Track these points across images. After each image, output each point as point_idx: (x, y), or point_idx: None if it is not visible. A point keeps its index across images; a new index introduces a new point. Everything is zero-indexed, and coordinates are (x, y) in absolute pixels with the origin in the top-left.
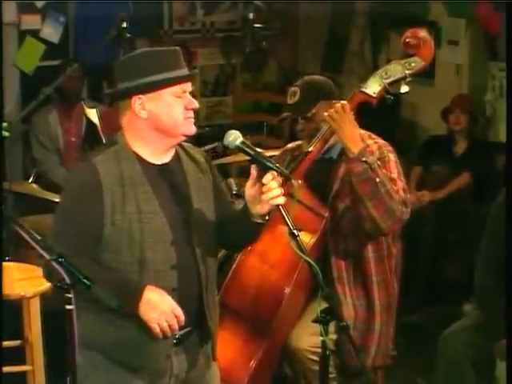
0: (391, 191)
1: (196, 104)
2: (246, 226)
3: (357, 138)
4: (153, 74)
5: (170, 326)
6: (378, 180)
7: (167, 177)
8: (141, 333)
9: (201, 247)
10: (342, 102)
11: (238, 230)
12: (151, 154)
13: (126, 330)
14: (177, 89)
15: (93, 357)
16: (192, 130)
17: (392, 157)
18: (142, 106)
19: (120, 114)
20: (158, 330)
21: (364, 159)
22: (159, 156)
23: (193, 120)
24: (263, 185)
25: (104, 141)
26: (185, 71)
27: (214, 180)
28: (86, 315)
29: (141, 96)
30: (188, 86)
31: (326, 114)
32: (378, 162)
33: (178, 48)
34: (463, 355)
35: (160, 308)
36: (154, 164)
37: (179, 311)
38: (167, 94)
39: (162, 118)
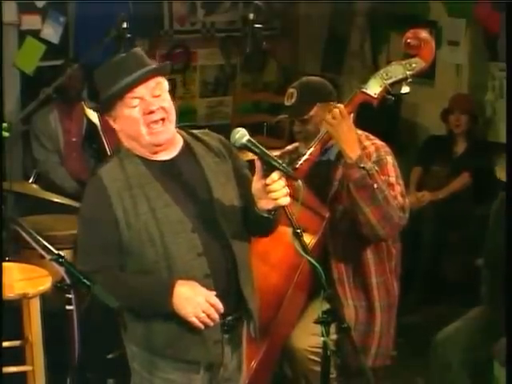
0: (389, 197)
1: (154, 106)
2: (255, 217)
3: (355, 144)
4: (102, 93)
5: (208, 316)
6: (375, 186)
7: (177, 170)
8: (184, 325)
9: (230, 230)
10: (340, 105)
11: (252, 219)
12: (150, 154)
13: (170, 324)
14: (126, 100)
15: (147, 359)
16: (159, 138)
17: (389, 159)
18: (113, 119)
19: None
20: (197, 322)
21: (362, 165)
22: (160, 154)
23: (159, 125)
24: (267, 185)
25: (104, 141)
26: (130, 77)
27: (234, 164)
28: (131, 317)
29: None
30: (142, 91)
31: (324, 119)
32: (376, 168)
33: (131, 52)
34: (456, 357)
35: (194, 300)
36: (159, 161)
37: (214, 299)
38: (120, 107)
39: (126, 130)
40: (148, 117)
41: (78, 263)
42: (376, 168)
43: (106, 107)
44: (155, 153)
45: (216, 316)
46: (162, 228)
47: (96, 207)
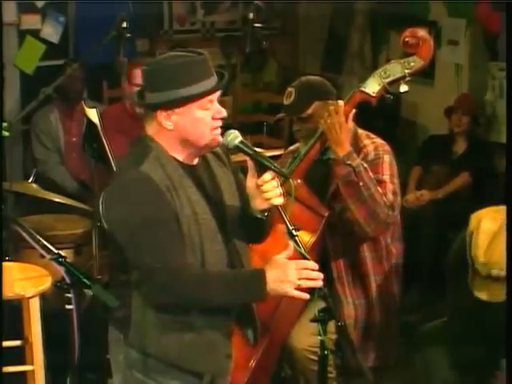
0: (375, 195)
1: (224, 113)
2: (249, 219)
3: (344, 142)
4: (178, 88)
5: (308, 279)
6: (361, 184)
7: (202, 176)
8: (198, 337)
9: (239, 241)
10: (339, 102)
11: (247, 223)
12: (185, 158)
13: (183, 334)
14: (204, 102)
15: (145, 363)
16: (216, 141)
17: (387, 158)
18: (168, 117)
19: (144, 121)
20: (302, 294)
21: (348, 162)
22: (192, 159)
23: (219, 130)
24: (260, 185)
25: (104, 141)
26: (211, 81)
27: (232, 169)
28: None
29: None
30: (216, 95)
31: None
32: (365, 165)
33: (204, 56)
34: (439, 352)
35: (286, 276)
36: (190, 165)
37: (303, 263)
38: (194, 107)
39: (187, 131)
40: (215, 122)
41: (156, 274)
42: (364, 165)
43: (174, 105)
44: (193, 156)
45: (315, 275)
46: (202, 235)
47: (155, 205)
